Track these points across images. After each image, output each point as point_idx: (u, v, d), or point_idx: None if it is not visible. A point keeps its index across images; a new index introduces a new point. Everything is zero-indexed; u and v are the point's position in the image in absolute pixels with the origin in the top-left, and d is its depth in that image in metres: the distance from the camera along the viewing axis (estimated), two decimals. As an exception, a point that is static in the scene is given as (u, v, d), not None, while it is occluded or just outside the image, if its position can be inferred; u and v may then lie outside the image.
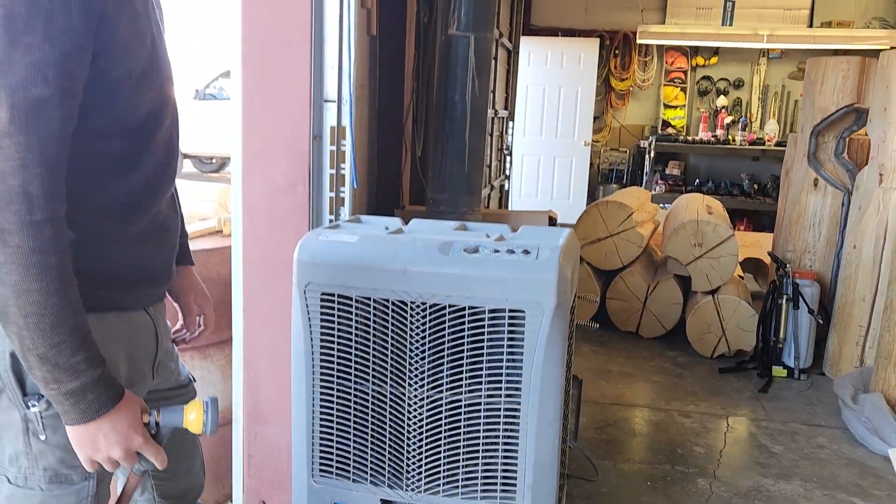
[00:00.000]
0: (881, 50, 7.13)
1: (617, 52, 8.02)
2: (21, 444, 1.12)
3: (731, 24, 7.60)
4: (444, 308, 1.46)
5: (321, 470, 1.63)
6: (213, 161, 11.39)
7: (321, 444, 1.60)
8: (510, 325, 1.46)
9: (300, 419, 1.63)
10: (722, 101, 7.98)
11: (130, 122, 1.13)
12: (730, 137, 7.72)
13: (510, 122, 6.12)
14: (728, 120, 7.81)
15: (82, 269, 1.05)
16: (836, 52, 7.54)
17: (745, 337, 3.95)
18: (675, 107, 8.12)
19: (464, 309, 1.46)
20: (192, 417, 1.13)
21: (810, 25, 7.47)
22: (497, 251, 1.49)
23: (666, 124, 8.10)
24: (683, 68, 8.06)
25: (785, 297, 3.70)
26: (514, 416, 1.48)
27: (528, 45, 7.30)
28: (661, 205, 7.28)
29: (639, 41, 7.71)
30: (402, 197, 3.36)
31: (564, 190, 8.09)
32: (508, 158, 6.21)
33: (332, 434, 1.57)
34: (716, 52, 7.92)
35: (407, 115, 3.31)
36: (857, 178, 3.75)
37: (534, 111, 7.93)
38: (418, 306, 1.47)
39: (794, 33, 7.36)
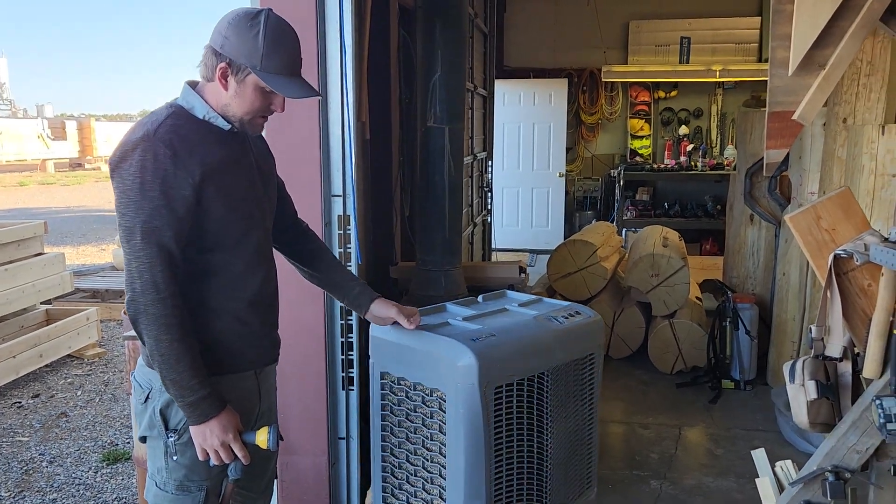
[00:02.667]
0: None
1: (585, 88, 8.67)
2: (163, 462, 1.73)
3: (687, 61, 8.26)
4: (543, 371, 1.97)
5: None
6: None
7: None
8: (589, 364, 2.09)
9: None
10: (683, 129, 8.63)
11: (228, 240, 1.70)
12: (692, 163, 8.35)
13: (489, 162, 6.74)
14: (690, 147, 8.45)
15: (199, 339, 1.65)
16: (784, 82, 8.23)
17: (699, 355, 4.54)
18: (641, 137, 8.77)
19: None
20: (262, 438, 1.70)
21: (759, 58, 8.13)
22: (565, 317, 2.07)
23: (634, 153, 8.74)
24: (647, 101, 8.72)
25: (728, 319, 4.30)
26: (591, 422, 2.13)
27: (502, 87, 7.94)
28: (633, 229, 7.92)
29: (604, 80, 8.36)
30: (396, 253, 3.94)
31: (543, 218, 8.70)
32: (489, 194, 6.83)
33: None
34: (675, 85, 8.58)
35: (395, 184, 3.90)
36: (782, 214, 4.36)
37: (511, 146, 8.55)
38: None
39: (743, 67, 8.03)
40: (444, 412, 1.80)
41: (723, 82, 8.42)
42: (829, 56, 1.59)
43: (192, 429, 1.65)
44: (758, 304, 4.46)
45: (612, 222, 8.11)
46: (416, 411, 1.88)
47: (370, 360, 1.96)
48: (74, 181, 20.28)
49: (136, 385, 1.78)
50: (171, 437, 1.69)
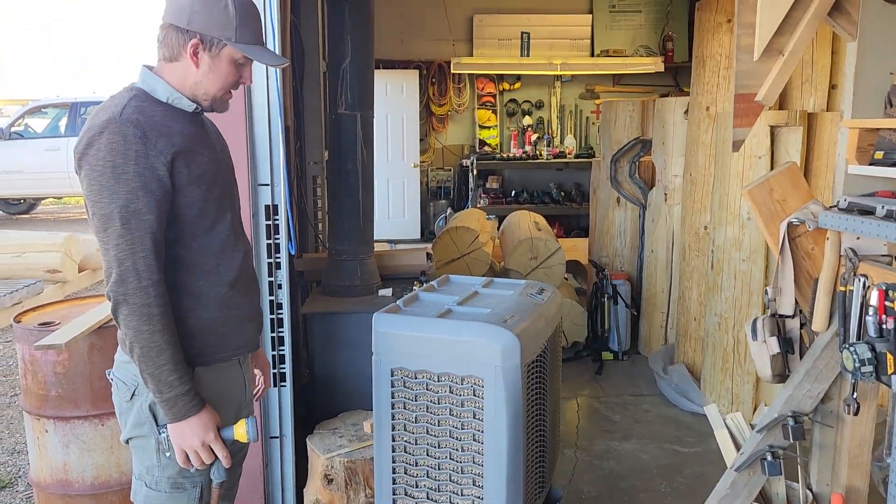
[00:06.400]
0: (649, 73, 8.52)
1: (434, 80, 8.81)
2: (154, 460, 1.61)
3: (528, 55, 8.69)
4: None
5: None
6: (22, 202, 10.75)
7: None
8: (559, 333, 2.22)
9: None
10: (527, 120, 9.06)
11: (205, 222, 1.61)
12: (537, 152, 8.81)
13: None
14: (534, 137, 8.91)
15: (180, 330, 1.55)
16: (614, 77, 8.95)
17: (578, 330, 4.83)
18: (489, 127, 9.09)
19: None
20: (241, 431, 1.62)
21: (592, 53, 8.74)
22: (538, 293, 2.17)
23: (482, 143, 9.04)
24: (493, 93, 9.04)
25: (606, 295, 4.62)
26: (559, 386, 2.29)
27: (354, 77, 7.84)
28: (489, 217, 8.19)
29: (453, 71, 8.57)
30: (296, 245, 3.77)
31: (400, 208, 8.75)
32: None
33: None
34: (518, 77, 8.99)
35: (293, 173, 3.75)
36: (648, 196, 4.76)
37: (364, 138, 8.49)
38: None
39: (580, 62, 8.60)
40: (481, 398, 1.78)
41: (560, 76, 8.96)
42: (786, 43, 1.78)
43: (169, 427, 1.56)
44: (628, 280, 4.83)
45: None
46: (439, 403, 1.84)
47: (374, 358, 1.88)
48: None
49: (118, 383, 1.65)
50: (164, 432, 1.59)
